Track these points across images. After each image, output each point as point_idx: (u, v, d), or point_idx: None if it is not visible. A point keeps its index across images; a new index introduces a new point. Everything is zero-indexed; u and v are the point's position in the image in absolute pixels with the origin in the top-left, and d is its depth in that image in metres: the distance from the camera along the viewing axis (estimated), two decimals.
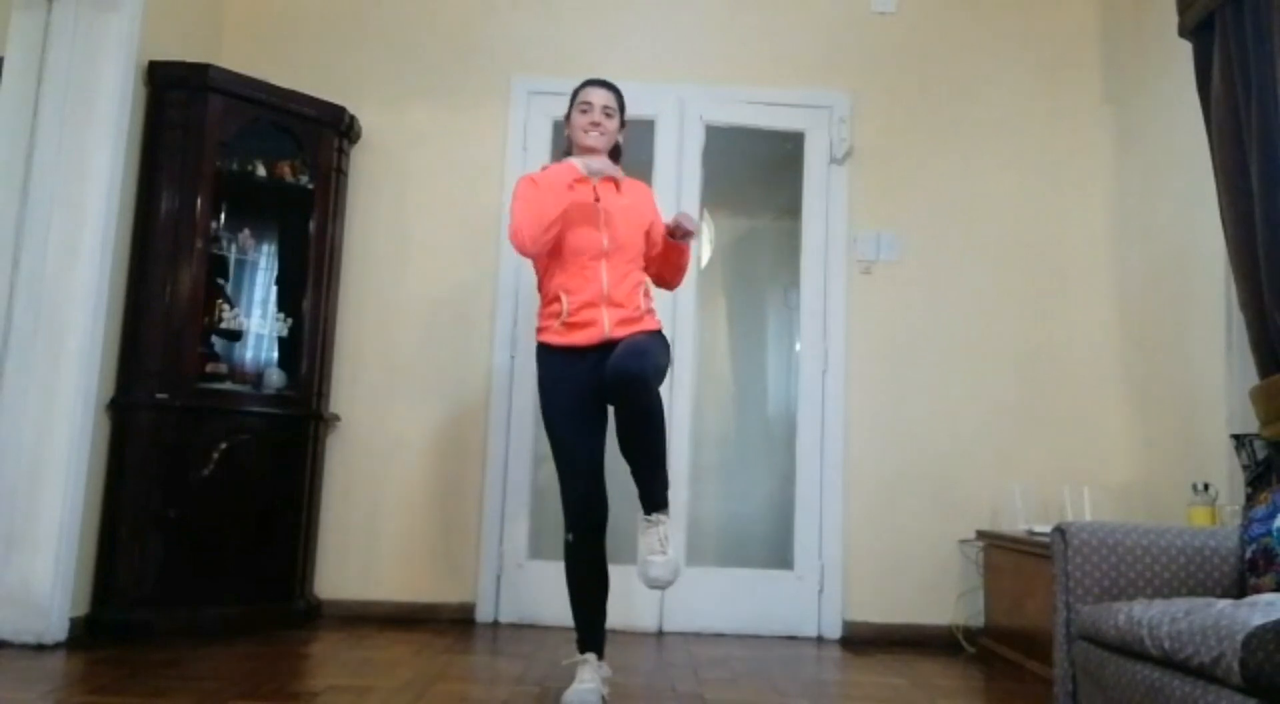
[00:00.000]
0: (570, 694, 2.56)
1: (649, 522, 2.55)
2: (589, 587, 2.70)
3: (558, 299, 2.73)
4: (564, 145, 2.94)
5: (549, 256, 2.75)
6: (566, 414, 2.71)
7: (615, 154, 2.91)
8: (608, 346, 2.66)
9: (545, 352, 2.77)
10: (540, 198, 2.66)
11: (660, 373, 2.64)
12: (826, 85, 4.15)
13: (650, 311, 2.81)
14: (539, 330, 2.80)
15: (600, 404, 2.74)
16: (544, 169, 2.84)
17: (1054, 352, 4.02)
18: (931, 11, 4.20)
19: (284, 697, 2.58)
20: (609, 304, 2.70)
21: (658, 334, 2.79)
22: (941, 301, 4.05)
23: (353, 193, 4.02)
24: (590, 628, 2.69)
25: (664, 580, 2.49)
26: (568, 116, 2.88)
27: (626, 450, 2.55)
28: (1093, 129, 4.12)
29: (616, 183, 2.84)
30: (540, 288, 2.83)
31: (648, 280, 2.88)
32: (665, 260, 2.87)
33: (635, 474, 2.56)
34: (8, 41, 3.31)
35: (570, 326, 2.70)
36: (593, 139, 2.81)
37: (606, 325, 2.69)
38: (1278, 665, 1.58)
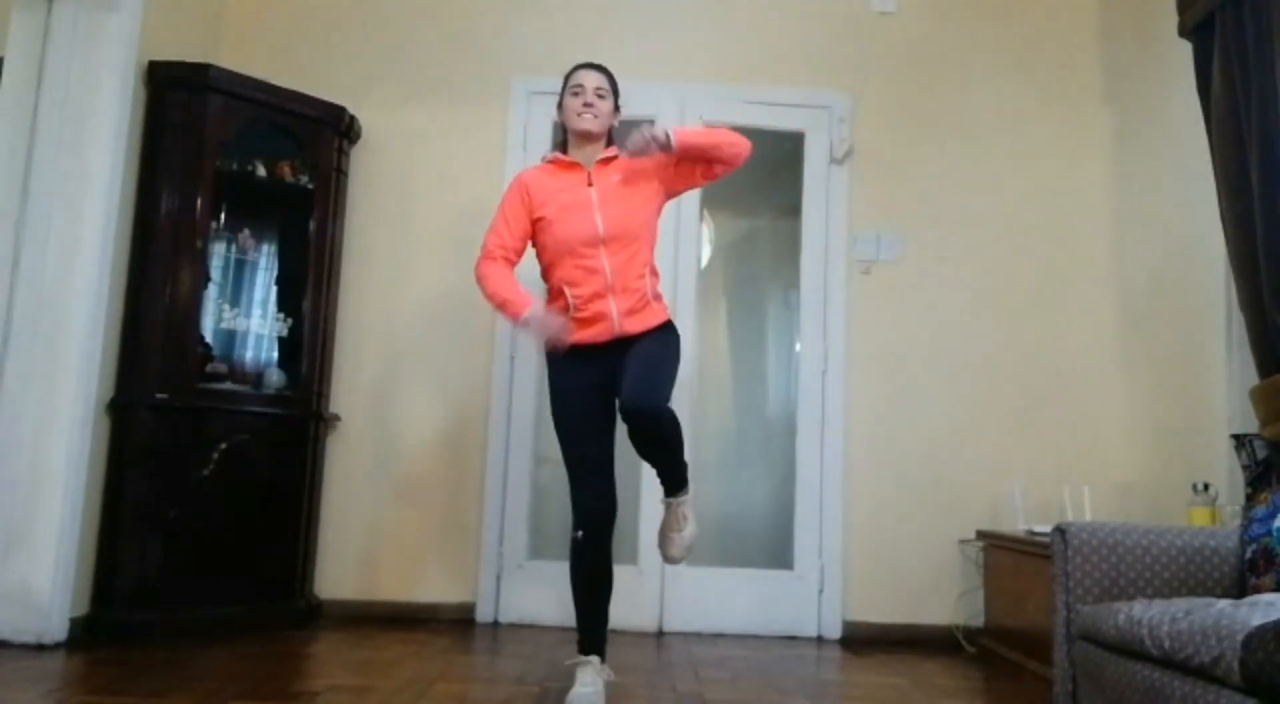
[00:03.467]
0: (573, 696, 2.55)
1: (669, 502, 2.73)
2: (593, 585, 2.69)
3: (562, 294, 2.68)
4: (558, 135, 2.87)
5: (546, 249, 2.74)
6: (576, 417, 2.69)
7: (610, 138, 2.85)
8: (618, 343, 2.65)
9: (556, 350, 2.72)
10: (507, 287, 2.66)
11: (671, 387, 2.66)
12: (826, 85, 4.15)
13: (657, 297, 2.76)
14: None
15: (610, 404, 2.70)
16: (544, 164, 2.82)
17: (1054, 351, 4.02)
18: (931, 11, 4.20)
19: (284, 697, 2.58)
20: (615, 293, 2.65)
21: (668, 330, 2.74)
22: (941, 301, 4.05)
23: (353, 193, 4.02)
24: (592, 627, 2.69)
25: (678, 558, 2.75)
26: (560, 103, 2.84)
27: (644, 455, 2.66)
28: (1093, 129, 4.12)
29: (612, 163, 2.78)
30: (544, 278, 2.79)
31: (652, 262, 2.78)
32: (693, 165, 2.79)
33: (655, 469, 2.71)
34: (8, 41, 3.31)
35: (580, 322, 2.65)
36: (586, 121, 2.76)
37: (615, 318, 2.65)
38: (1278, 665, 1.58)
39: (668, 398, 2.59)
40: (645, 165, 2.76)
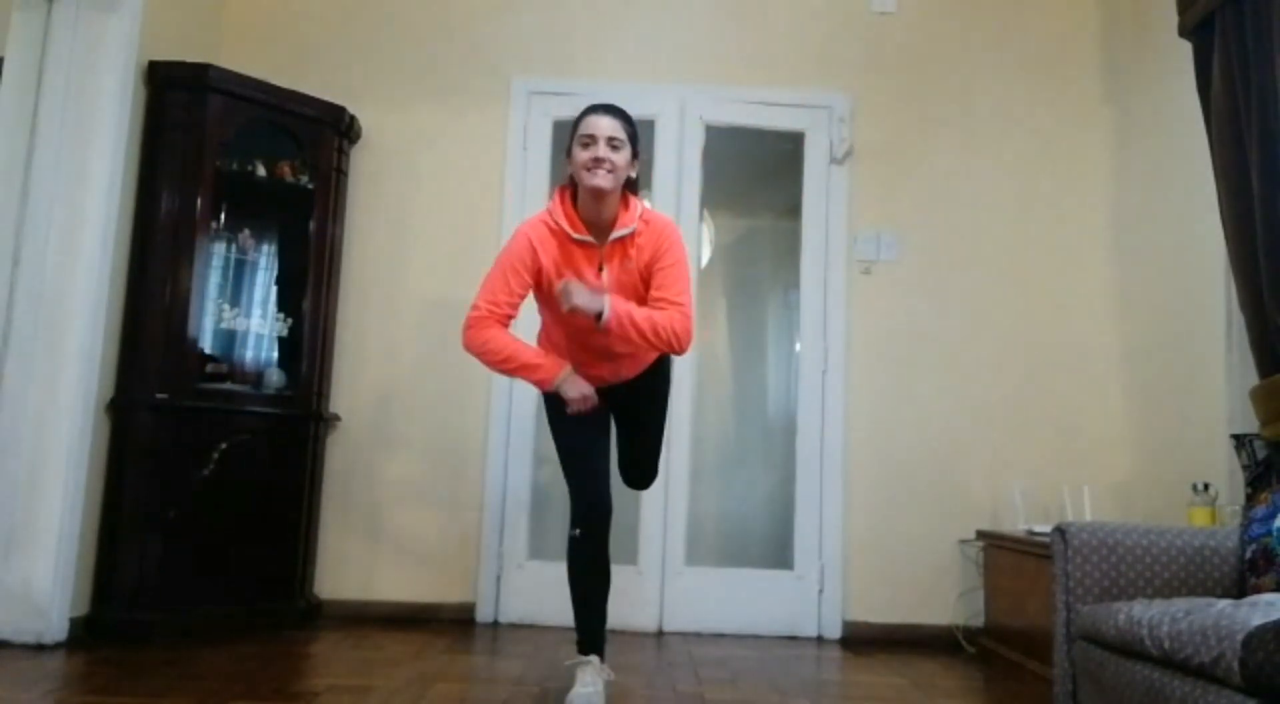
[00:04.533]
0: (572, 697, 2.55)
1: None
2: (592, 583, 2.68)
3: (560, 352, 2.66)
4: (566, 179, 2.59)
5: (545, 308, 2.67)
6: (572, 422, 2.67)
7: (631, 188, 2.59)
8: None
9: None
10: (512, 352, 2.51)
11: (662, 439, 2.93)
12: (826, 85, 4.15)
13: None
14: (544, 354, 2.76)
15: (605, 411, 2.74)
16: (554, 225, 2.54)
17: (1054, 351, 4.02)
18: (931, 11, 4.20)
19: (284, 697, 2.58)
20: (614, 359, 2.66)
21: (663, 365, 2.79)
22: (941, 301, 4.05)
23: (353, 193, 4.01)
24: (592, 627, 2.68)
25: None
26: (568, 150, 2.54)
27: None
28: (1092, 129, 4.12)
29: (629, 243, 2.55)
30: (541, 327, 2.78)
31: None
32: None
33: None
34: (8, 41, 3.31)
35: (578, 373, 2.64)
36: (600, 179, 2.44)
37: (612, 375, 2.70)
38: (1278, 665, 1.58)
39: (658, 460, 2.93)
40: (646, 272, 2.57)
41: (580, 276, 2.52)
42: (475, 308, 2.53)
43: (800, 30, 4.19)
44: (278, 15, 4.15)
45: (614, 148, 2.47)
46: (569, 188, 2.60)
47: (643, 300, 2.57)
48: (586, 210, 2.54)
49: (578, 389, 2.54)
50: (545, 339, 2.76)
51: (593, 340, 2.60)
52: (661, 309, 2.51)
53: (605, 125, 2.49)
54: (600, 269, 2.56)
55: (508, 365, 2.54)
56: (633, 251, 2.55)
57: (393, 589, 3.87)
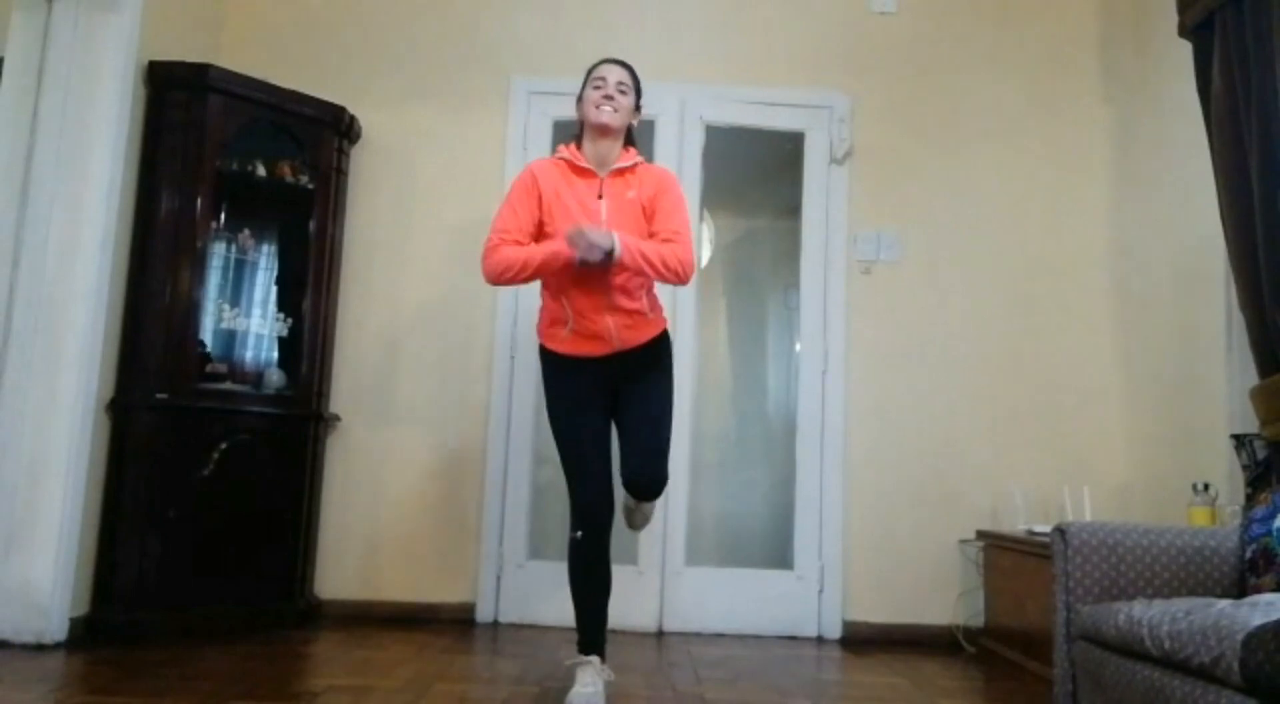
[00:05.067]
0: (572, 696, 2.56)
1: (641, 504, 2.74)
2: (593, 585, 2.69)
3: (560, 302, 2.68)
4: (574, 129, 2.82)
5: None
6: (574, 419, 2.69)
7: (629, 139, 2.79)
8: (616, 353, 2.69)
9: (552, 356, 2.74)
10: (527, 254, 2.59)
11: (670, 434, 2.79)
12: (826, 85, 4.15)
13: (655, 307, 2.78)
14: (543, 333, 2.76)
15: (607, 405, 2.73)
16: (556, 159, 2.74)
17: (1054, 351, 4.02)
18: (931, 11, 4.20)
19: (284, 697, 2.58)
20: (615, 311, 2.65)
21: (664, 349, 2.78)
22: (941, 301, 4.05)
23: (353, 193, 4.02)
24: (592, 627, 2.69)
25: (640, 529, 2.97)
26: (580, 97, 2.77)
27: (633, 496, 2.79)
28: (1092, 128, 4.12)
29: (629, 174, 2.72)
30: (542, 283, 2.77)
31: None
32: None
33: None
34: (8, 41, 3.31)
35: (578, 336, 2.67)
36: (606, 114, 2.68)
37: (614, 334, 2.67)
38: (1278, 665, 1.58)
39: (667, 462, 2.76)
40: (649, 207, 2.70)
41: (581, 204, 2.66)
42: (489, 240, 2.66)
43: (800, 30, 4.19)
44: (278, 15, 4.15)
45: (621, 92, 2.73)
46: (573, 140, 2.80)
47: (644, 235, 2.69)
48: (590, 151, 2.74)
49: (592, 230, 2.51)
50: (545, 292, 2.76)
51: (593, 286, 2.63)
52: (665, 243, 2.66)
53: (615, 72, 2.75)
54: (599, 198, 2.69)
55: (528, 269, 2.61)
56: (633, 181, 2.73)
57: (393, 589, 3.87)
